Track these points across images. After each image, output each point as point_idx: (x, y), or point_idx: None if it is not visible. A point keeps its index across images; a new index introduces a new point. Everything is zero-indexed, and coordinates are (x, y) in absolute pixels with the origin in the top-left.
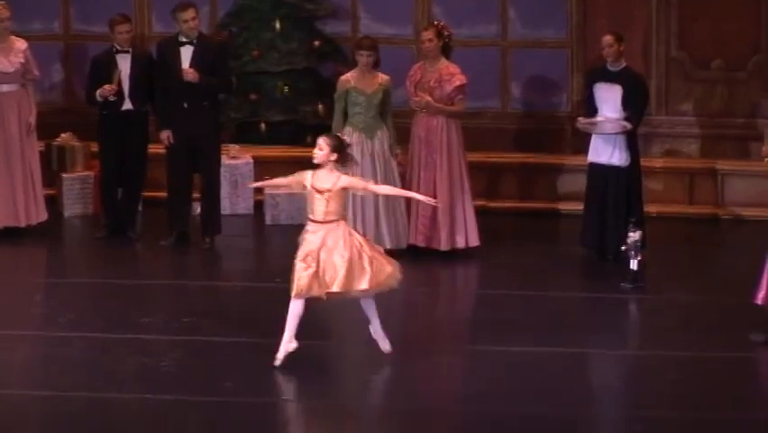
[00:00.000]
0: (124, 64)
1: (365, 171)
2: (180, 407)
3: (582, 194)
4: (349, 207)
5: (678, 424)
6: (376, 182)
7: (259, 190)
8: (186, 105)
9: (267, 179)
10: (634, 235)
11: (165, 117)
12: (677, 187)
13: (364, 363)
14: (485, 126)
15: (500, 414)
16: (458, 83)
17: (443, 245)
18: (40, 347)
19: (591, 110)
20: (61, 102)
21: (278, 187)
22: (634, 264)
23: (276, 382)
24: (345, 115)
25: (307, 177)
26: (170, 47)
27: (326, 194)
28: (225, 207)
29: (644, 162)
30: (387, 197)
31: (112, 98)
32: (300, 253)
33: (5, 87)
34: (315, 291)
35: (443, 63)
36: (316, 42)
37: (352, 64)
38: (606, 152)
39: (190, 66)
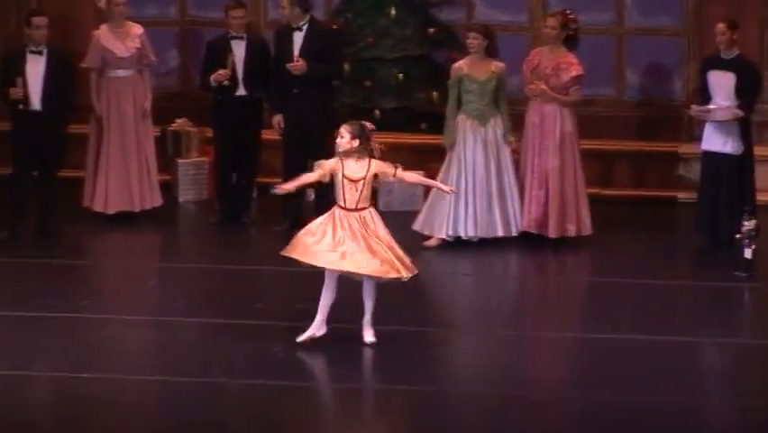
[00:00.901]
0: (239, 50)
1: (477, 159)
2: (293, 393)
3: (697, 182)
4: (461, 193)
5: None
6: (489, 170)
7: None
8: (295, 90)
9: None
10: (748, 224)
11: (276, 103)
12: None
13: (474, 350)
14: (599, 114)
15: (609, 402)
16: (575, 73)
17: (553, 233)
18: (154, 332)
19: (705, 98)
20: (176, 87)
21: (307, 183)
22: (748, 253)
23: (387, 367)
24: (459, 103)
25: (337, 166)
26: (285, 33)
27: (360, 183)
28: None
29: (757, 151)
30: (499, 185)
31: (226, 83)
32: (314, 225)
33: (121, 73)
34: (309, 258)
35: (562, 52)
36: (431, 29)
37: (466, 51)
38: (719, 140)
39: (300, 52)
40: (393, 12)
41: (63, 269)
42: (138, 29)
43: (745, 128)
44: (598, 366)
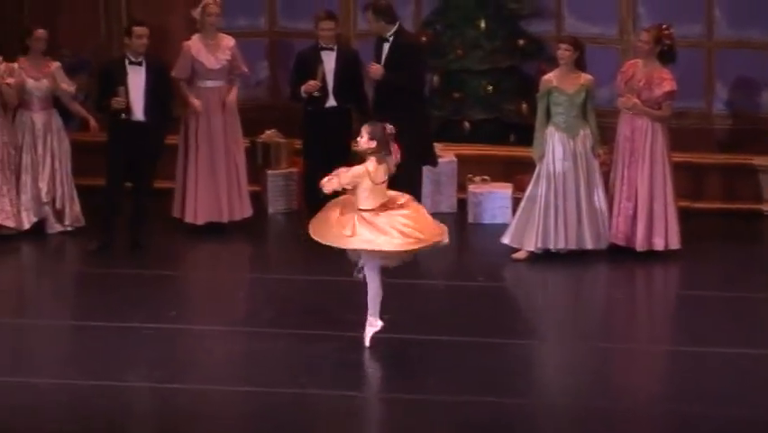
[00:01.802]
0: (329, 61)
1: (567, 171)
2: (382, 404)
3: None
4: (550, 206)
5: None
6: (578, 183)
7: (462, 188)
8: (378, 99)
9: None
10: None
11: (363, 112)
12: None
13: (563, 362)
14: (689, 127)
15: (700, 415)
16: (668, 88)
17: (640, 246)
18: (243, 343)
19: None
20: (266, 99)
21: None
22: None
23: (475, 379)
24: (548, 115)
25: (370, 172)
26: (378, 44)
27: (383, 184)
28: (428, 206)
29: None
30: (589, 197)
31: (316, 94)
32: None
33: (210, 83)
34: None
35: (657, 66)
36: (520, 41)
37: (556, 63)
38: None
39: (385, 62)
40: (483, 24)
41: (153, 279)
42: (229, 41)
43: None
44: (687, 379)
